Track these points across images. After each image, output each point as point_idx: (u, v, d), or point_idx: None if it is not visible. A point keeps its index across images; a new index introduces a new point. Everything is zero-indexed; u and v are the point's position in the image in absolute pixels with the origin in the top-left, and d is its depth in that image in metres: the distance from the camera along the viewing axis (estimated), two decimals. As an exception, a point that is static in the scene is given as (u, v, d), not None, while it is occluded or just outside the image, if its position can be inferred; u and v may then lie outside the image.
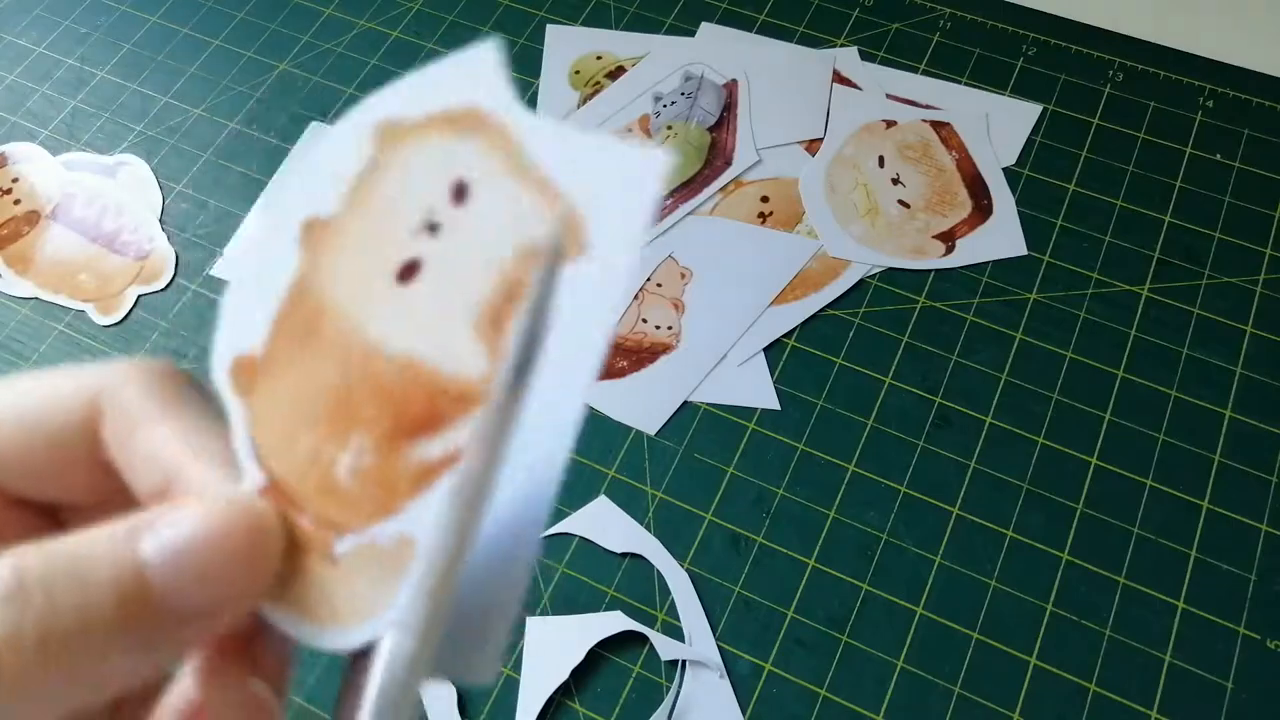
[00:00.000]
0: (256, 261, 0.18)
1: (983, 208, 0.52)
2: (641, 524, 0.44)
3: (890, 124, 0.55)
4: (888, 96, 0.56)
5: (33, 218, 0.55)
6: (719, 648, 0.41)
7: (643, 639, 0.42)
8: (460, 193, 0.17)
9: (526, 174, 0.16)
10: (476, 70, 0.17)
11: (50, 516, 0.18)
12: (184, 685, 0.18)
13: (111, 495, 0.18)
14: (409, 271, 0.17)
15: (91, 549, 0.15)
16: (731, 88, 0.56)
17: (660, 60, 0.58)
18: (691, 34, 0.59)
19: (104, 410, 0.17)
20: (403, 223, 0.17)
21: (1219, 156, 0.53)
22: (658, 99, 0.56)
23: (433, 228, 0.17)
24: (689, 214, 0.52)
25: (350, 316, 0.17)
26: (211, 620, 0.16)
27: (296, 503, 0.17)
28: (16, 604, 0.14)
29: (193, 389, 0.18)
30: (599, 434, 0.47)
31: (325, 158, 0.18)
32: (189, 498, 0.16)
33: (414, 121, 0.17)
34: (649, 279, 0.51)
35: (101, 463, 0.17)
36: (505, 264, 0.16)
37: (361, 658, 0.16)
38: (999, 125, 0.54)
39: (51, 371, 0.18)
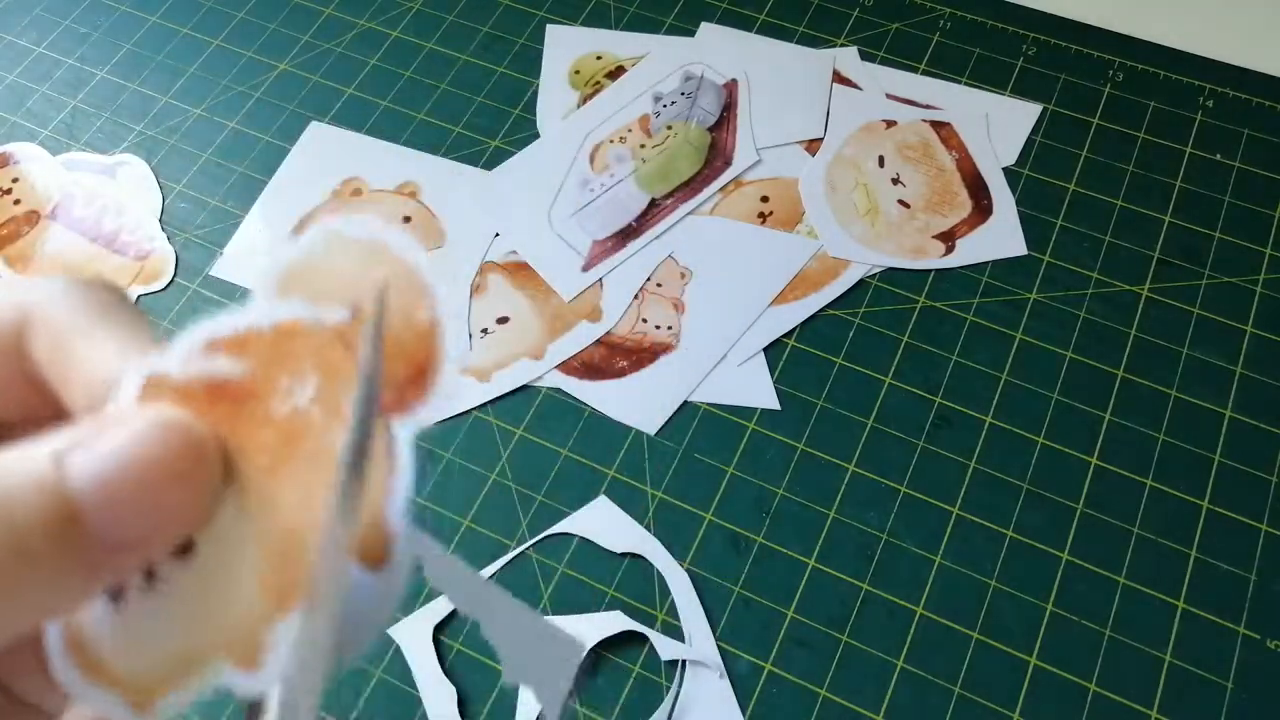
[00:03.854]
0: None
1: (983, 208, 0.52)
2: (641, 524, 0.44)
3: (890, 124, 0.55)
4: (888, 96, 0.56)
5: (33, 218, 0.55)
6: (719, 648, 0.41)
7: (643, 639, 0.42)
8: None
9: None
10: None
11: None
12: None
13: (42, 411, 0.17)
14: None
15: (13, 475, 0.14)
16: (731, 88, 0.56)
17: (660, 60, 0.58)
18: (691, 34, 0.59)
19: (33, 325, 0.16)
20: None
21: (1219, 156, 0.53)
22: (658, 99, 0.56)
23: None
24: (689, 214, 0.52)
25: None
26: (144, 549, 0.15)
27: None
28: None
29: (124, 302, 0.17)
30: (599, 434, 0.47)
31: None
32: (120, 415, 0.15)
33: None
34: (649, 279, 0.51)
35: (31, 379, 0.16)
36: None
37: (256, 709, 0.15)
38: (999, 125, 0.54)
39: None
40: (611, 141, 0.55)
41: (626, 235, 0.52)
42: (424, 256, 0.15)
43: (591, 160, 0.55)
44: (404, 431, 0.15)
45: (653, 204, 0.53)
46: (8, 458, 0.14)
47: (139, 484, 0.14)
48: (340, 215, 0.16)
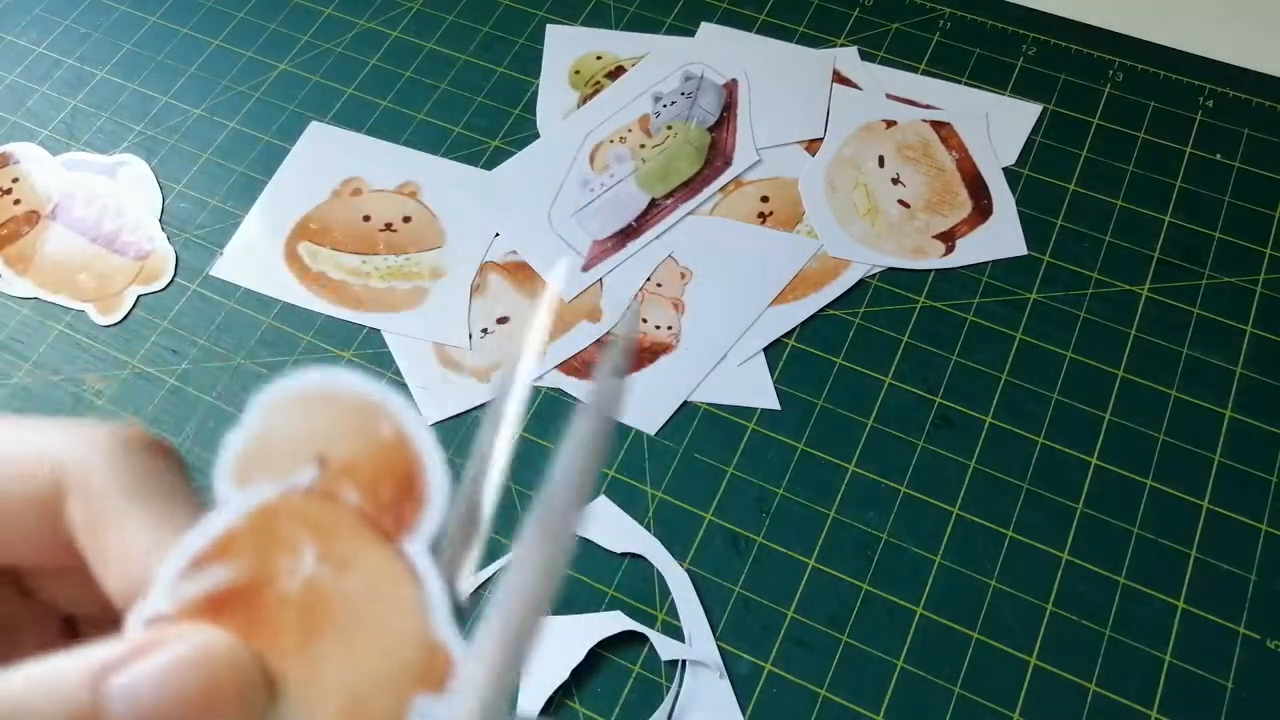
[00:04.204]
0: None
1: (983, 208, 0.52)
2: (641, 524, 0.44)
3: (890, 124, 0.55)
4: (888, 96, 0.56)
5: (33, 218, 0.55)
6: (719, 648, 0.41)
7: (643, 639, 0.42)
8: None
9: None
10: None
11: (9, 577, 0.17)
12: None
13: (72, 564, 0.16)
14: None
15: (48, 698, 0.13)
16: (731, 88, 0.56)
17: (660, 60, 0.58)
18: (691, 34, 0.59)
19: (70, 489, 0.16)
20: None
21: (1219, 156, 0.53)
22: (657, 99, 0.56)
23: None
24: (689, 214, 0.52)
25: None
26: None
27: None
28: None
29: (168, 465, 0.16)
30: (599, 434, 0.47)
31: None
32: (161, 635, 0.14)
33: None
34: (649, 279, 0.51)
35: (62, 537, 0.16)
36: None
37: None
38: (999, 125, 0.54)
39: (11, 427, 0.16)
40: (611, 141, 0.55)
41: (626, 235, 0.52)
42: (359, 378, 0.15)
43: (591, 160, 0.55)
44: (417, 548, 0.15)
45: (653, 204, 0.53)
46: (42, 674, 0.13)
47: (178, 716, 0.14)
48: (268, 385, 0.16)
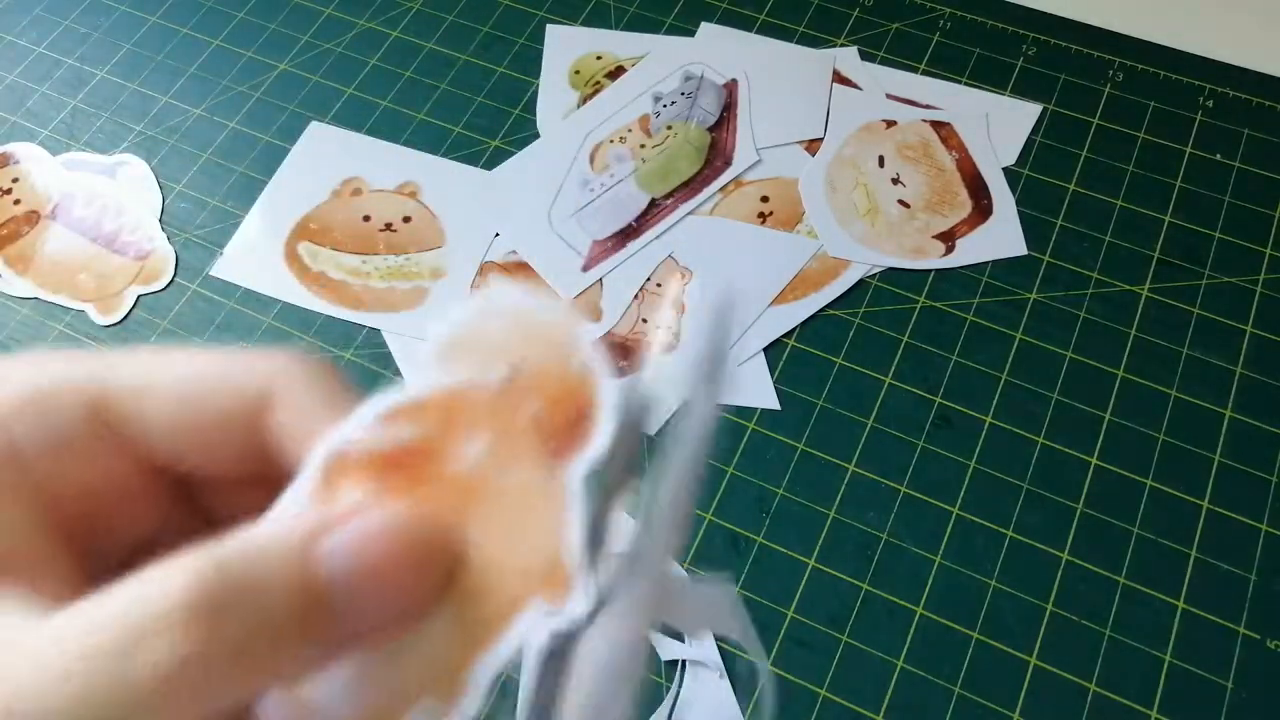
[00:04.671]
0: None
1: (983, 208, 0.52)
2: (641, 524, 0.44)
3: (890, 124, 0.55)
4: (888, 96, 0.56)
5: (33, 218, 0.55)
6: (719, 648, 0.41)
7: (643, 639, 0.42)
8: None
9: None
10: None
11: (183, 487, 0.18)
12: None
13: (253, 475, 0.18)
14: None
15: (270, 555, 0.14)
16: (731, 88, 0.56)
17: (660, 60, 0.58)
18: (691, 34, 0.59)
19: (276, 401, 0.17)
20: None
21: (1219, 156, 0.53)
22: (658, 99, 0.56)
23: None
24: (689, 214, 0.52)
25: None
26: (382, 633, 0.15)
27: None
28: (201, 623, 0.13)
29: (345, 385, 0.18)
30: (599, 434, 0.47)
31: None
32: (360, 505, 0.16)
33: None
34: (649, 279, 0.51)
35: (254, 445, 0.17)
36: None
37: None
38: (999, 125, 0.54)
39: (221, 351, 0.18)
40: (611, 141, 0.55)
41: (626, 235, 0.52)
42: (568, 312, 0.17)
43: (591, 160, 0.55)
44: (574, 471, 0.16)
45: (653, 204, 0.53)
46: (260, 537, 0.15)
47: (387, 574, 0.15)
48: (485, 290, 0.17)
